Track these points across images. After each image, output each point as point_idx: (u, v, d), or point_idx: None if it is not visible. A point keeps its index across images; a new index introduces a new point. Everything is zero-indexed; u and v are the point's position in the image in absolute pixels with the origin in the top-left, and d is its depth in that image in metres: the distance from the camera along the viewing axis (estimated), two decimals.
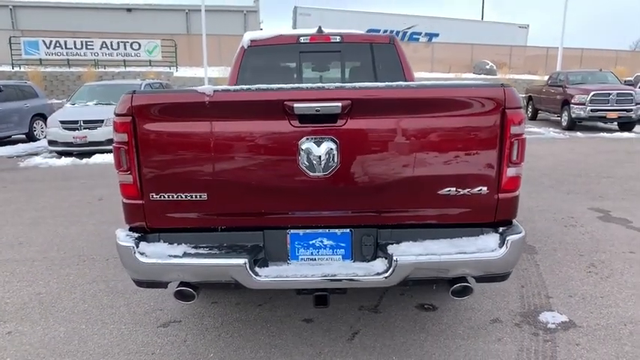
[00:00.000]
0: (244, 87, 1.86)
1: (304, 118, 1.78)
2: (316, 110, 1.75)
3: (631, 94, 11.54)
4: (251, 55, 3.78)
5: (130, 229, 1.99)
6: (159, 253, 1.88)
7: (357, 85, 1.80)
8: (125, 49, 19.99)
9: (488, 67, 22.52)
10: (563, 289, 2.96)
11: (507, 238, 1.87)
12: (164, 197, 1.89)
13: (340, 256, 1.98)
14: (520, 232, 1.90)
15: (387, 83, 1.84)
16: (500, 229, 1.93)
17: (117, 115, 1.85)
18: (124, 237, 1.92)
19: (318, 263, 1.96)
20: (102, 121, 8.64)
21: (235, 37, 28.61)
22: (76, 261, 3.57)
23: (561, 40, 18.34)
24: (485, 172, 1.86)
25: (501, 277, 1.97)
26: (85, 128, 8.66)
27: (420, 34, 27.93)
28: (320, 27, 3.85)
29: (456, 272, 1.88)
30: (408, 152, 1.83)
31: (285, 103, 1.75)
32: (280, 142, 1.81)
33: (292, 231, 1.97)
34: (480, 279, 1.96)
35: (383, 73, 3.84)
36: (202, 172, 1.85)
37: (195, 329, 2.55)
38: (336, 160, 1.81)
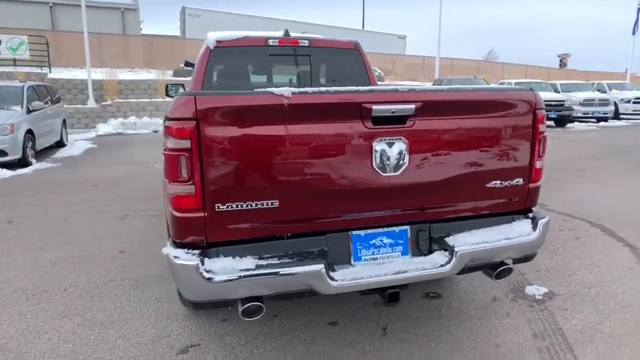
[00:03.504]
0: (322, 89, 1.81)
1: (378, 120, 1.81)
2: (392, 112, 1.79)
3: None
4: (218, 57, 3.60)
5: (180, 246, 1.79)
6: (228, 269, 1.73)
7: (426, 88, 1.89)
8: None
9: (377, 73, 24.24)
10: (528, 264, 3.41)
11: (539, 222, 2.14)
12: (231, 207, 1.74)
13: (399, 253, 2.04)
14: (545, 217, 2.19)
15: (449, 87, 1.96)
16: (531, 215, 2.20)
17: (175, 119, 1.65)
18: (185, 255, 1.72)
19: (381, 262, 1.99)
20: None
21: (118, 37, 26.15)
22: (23, 297, 3.00)
23: (438, 51, 20.66)
24: (522, 165, 2.11)
25: (532, 257, 2.23)
26: None
27: None
28: (287, 30, 3.83)
29: (503, 256, 2.09)
30: (463, 149, 1.98)
31: (363, 105, 1.76)
32: (355, 143, 1.81)
33: (354, 232, 1.97)
34: (516, 260, 2.20)
35: (350, 77, 3.98)
36: (275, 178, 1.76)
37: (221, 350, 2.36)
38: (405, 159, 1.87)
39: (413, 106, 1.81)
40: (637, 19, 22.74)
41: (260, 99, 1.70)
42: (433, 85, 16.26)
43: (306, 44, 3.81)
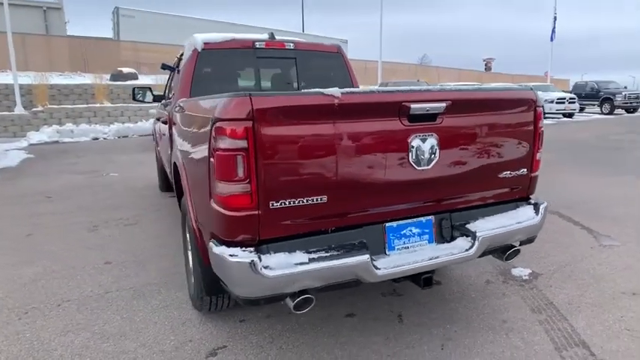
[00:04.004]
0: (366, 89, 1.91)
1: (413, 118, 1.95)
2: (426, 110, 1.95)
3: None
4: (205, 59, 3.57)
5: (231, 244, 1.81)
6: (284, 264, 1.78)
7: (453, 87, 2.06)
8: None
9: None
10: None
11: (540, 207, 2.40)
12: (284, 204, 1.79)
13: (426, 241, 2.19)
14: (544, 202, 2.46)
15: (471, 86, 2.15)
16: (533, 201, 2.46)
17: (230, 119, 1.68)
18: (242, 253, 1.74)
19: (412, 250, 2.14)
20: None
21: (42, 38, 24.24)
22: (13, 316, 2.79)
23: (380, 55, 21.46)
24: (526, 156, 2.36)
25: (534, 239, 2.49)
26: None
27: None
28: (272, 33, 3.88)
29: (514, 239, 2.32)
30: (480, 143, 2.18)
31: (402, 104, 1.89)
32: (395, 140, 1.94)
33: (388, 224, 2.10)
34: (522, 243, 2.44)
35: (335, 80, 4.11)
36: (324, 174, 1.84)
37: (251, 349, 2.38)
38: (436, 154, 2.03)
39: (444, 105, 1.97)
40: (554, 27, 25.15)
41: (312, 99, 1.77)
42: (380, 86, 16.87)
43: (292, 47, 3.88)
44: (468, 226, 2.21)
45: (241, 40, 3.72)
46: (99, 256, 3.79)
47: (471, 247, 2.14)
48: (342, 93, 1.78)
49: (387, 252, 2.10)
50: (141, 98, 5.22)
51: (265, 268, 1.74)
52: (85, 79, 19.18)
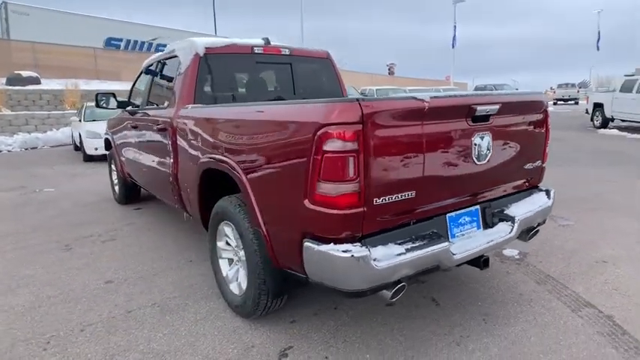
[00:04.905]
0: (446, 93, 2.11)
1: (476, 119, 2.21)
2: (487, 112, 2.22)
3: None
4: (207, 64, 3.52)
5: (335, 241, 1.90)
6: (388, 255, 1.92)
7: (503, 92, 2.36)
8: None
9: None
10: None
11: (551, 193, 2.82)
12: (385, 200, 1.93)
13: (475, 228, 2.47)
14: (552, 189, 2.88)
15: (514, 91, 2.47)
16: (544, 188, 2.87)
17: (342, 123, 1.78)
18: (354, 248, 1.85)
19: (467, 237, 2.39)
20: None
21: None
22: (35, 348, 2.52)
23: None
24: (540, 150, 2.75)
25: (545, 221, 2.90)
26: None
27: (166, 46, 27.29)
28: (268, 38, 3.93)
29: (538, 221, 2.70)
30: (515, 140, 2.52)
31: (471, 106, 2.14)
32: (463, 138, 2.18)
33: (449, 214, 2.33)
34: (539, 224, 2.84)
35: (326, 85, 4.28)
36: (415, 171, 2.01)
37: (318, 345, 2.45)
38: (490, 150, 2.32)
39: (497, 107, 2.26)
40: (454, 35, 27.78)
41: (408, 103, 1.94)
42: None
43: (287, 53, 3.96)
44: (506, 212, 2.53)
45: (241, 45, 3.71)
46: (93, 276, 3.51)
47: (512, 230, 2.46)
48: (430, 97, 1.97)
49: (450, 239, 2.32)
50: (105, 105, 4.86)
51: (374, 260, 1.87)
52: None
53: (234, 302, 2.74)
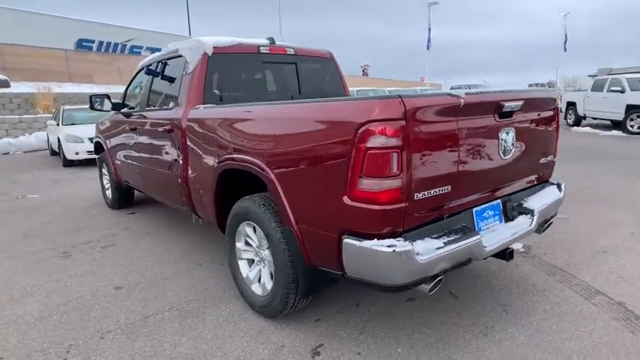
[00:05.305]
0: (477, 90, 2.16)
1: (502, 115, 2.27)
2: (512, 108, 2.28)
3: None
4: (215, 63, 3.48)
5: (377, 237, 1.92)
6: (429, 249, 1.95)
7: (523, 89, 2.43)
8: None
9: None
10: None
11: (562, 186, 2.93)
12: (425, 195, 1.96)
13: (497, 221, 2.53)
14: (563, 182, 2.99)
15: (533, 88, 2.54)
16: (555, 182, 2.97)
17: (386, 119, 1.81)
18: (399, 243, 1.87)
19: (492, 230, 2.45)
20: None
21: None
22: (56, 358, 2.43)
23: None
24: (553, 145, 2.85)
25: (557, 213, 3.00)
26: None
27: (141, 47, 26.73)
28: (272, 38, 3.92)
29: (551, 213, 2.79)
30: (533, 135, 2.60)
31: (499, 102, 2.20)
32: (491, 134, 2.24)
33: (475, 209, 2.39)
34: (551, 216, 2.93)
35: (330, 84, 4.30)
36: (451, 166, 2.05)
37: (348, 342, 2.46)
38: (514, 145, 2.39)
39: (520, 103, 2.34)
40: (429, 37, 28.31)
41: (446, 100, 1.98)
42: None
43: (292, 52, 3.96)
44: (524, 205, 2.60)
45: (247, 44, 3.69)
46: (100, 282, 3.41)
47: (532, 222, 2.54)
48: (465, 94, 2.02)
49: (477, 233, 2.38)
50: (99, 107, 4.73)
51: (417, 254, 1.89)
52: None
53: (258, 303, 2.72)
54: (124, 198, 5.58)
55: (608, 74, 16.81)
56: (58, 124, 10.82)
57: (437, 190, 2.02)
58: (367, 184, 1.87)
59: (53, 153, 11.90)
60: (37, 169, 9.97)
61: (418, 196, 1.95)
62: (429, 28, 28.00)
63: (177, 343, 2.51)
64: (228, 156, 2.76)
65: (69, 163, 10.02)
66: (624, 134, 12.36)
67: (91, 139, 9.59)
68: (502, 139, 2.31)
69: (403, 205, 1.90)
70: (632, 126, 12.33)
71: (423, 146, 1.92)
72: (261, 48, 3.75)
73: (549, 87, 36.22)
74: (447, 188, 2.07)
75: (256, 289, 2.79)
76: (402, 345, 2.42)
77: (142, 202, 5.90)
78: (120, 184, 5.36)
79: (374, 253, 1.89)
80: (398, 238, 1.91)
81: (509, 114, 2.34)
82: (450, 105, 1.99)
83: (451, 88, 27.77)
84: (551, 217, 2.90)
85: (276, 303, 2.55)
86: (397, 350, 2.37)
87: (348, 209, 1.96)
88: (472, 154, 2.18)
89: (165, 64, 3.98)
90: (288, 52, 3.94)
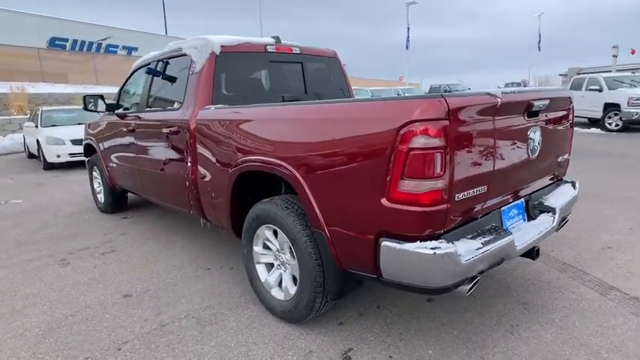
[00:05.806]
0: (511, 90, 2.15)
1: (530, 114, 2.28)
2: (540, 107, 2.30)
3: None
4: (223, 62, 3.40)
5: (420, 239, 1.89)
6: (470, 250, 1.94)
7: (548, 89, 2.45)
8: None
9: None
10: None
11: (576, 184, 2.97)
12: (465, 195, 1.95)
13: (521, 220, 2.55)
14: (576, 180, 3.04)
15: (554, 87, 2.57)
16: (568, 180, 3.01)
17: (429, 120, 1.78)
18: (444, 245, 1.85)
19: (518, 229, 2.46)
20: None
21: None
22: None
23: None
24: (568, 143, 2.90)
25: (571, 211, 3.05)
26: None
27: (117, 46, 26.03)
28: (278, 37, 3.85)
29: (568, 211, 2.83)
30: (556, 134, 2.64)
31: (530, 102, 2.21)
32: (522, 133, 2.24)
33: (502, 208, 2.39)
34: (568, 214, 2.97)
35: (335, 83, 4.26)
36: (488, 166, 2.05)
37: (376, 345, 2.43)
38: (540, 144, 2.40)
39: (547, 102, 2.35)
40: (408, 37, 28.59)
41: (485, 99, 1.96)
42: None
43: (298, 51, 3.91)
44: (546, 203, 2.63)
45: (254, 43, 3.61)
46: (106, 290, 3.28)
47: (553, 220, 2.57)
48: (502, 93, 2.02)
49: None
50: (93, 107, 4.57)
51: (459, 256, 1.88)
52: None
53: (280, 307, 2.66)
54: (117, 202, 5.41)
55: (578, 74, 17.36)
56: (36, 126, 10.41)
57: (475, 190, 2.01)
58: (409, 185, 1.84)
59: (31, 156, 11.46)
60: (16, 173, 9.58)
61: (458, 196, 1.93)
62: (408, 28, 28.27)
63: (201, 352, 2.43)
64: (246, 157, 2.69)
65: (49, 166, 9.66)
66: (602, 132, 12.77)
67: (73, 141, 9.31)
68: (531, 138, 2.32)
69: (445, 206, 1.88)
70: (609, 124, 12.75)
71: (464, 146, 1.91)
72: (267, 47, 3.68)
73: (523, 86, 37.15)
74: (484, 188, 2.07)
75: (276, 293, 2.73)
76: (432, 347, 2.41)
77: (136, 206, 5.73)
78: (114, 187, 5.18)
79: (416, 255, 1.86)
80: (439, 240, 1.89)
81: (537, 113, 2.36)
82: (488, 104, 1.99)
83: (430, 88, 28.14)
84: (568, 215, 2.94)
85: (301, 307, 2.49)
86: (428, 352, 2.36)
87: (386, 211, 1.93)
88: (507, 154, 2.18)
89: (167, 63, 3.86)
90: (294, 51, 3.88)
